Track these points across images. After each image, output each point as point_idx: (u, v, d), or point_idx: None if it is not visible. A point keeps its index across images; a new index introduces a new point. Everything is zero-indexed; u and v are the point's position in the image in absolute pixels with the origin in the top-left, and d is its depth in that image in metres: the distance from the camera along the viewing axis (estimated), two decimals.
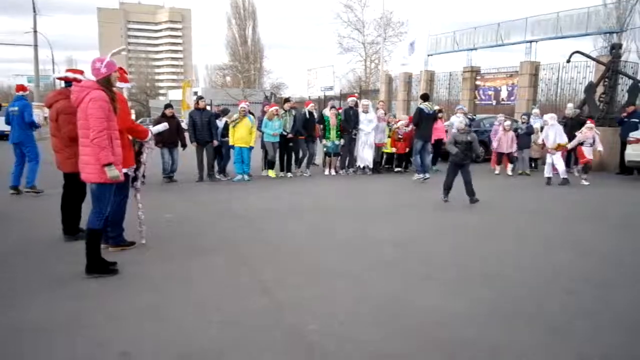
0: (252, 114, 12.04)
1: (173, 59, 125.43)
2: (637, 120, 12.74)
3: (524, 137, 12.78)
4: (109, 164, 4.52)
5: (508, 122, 13.02)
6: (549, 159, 11.43)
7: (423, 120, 11.43)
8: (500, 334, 3.57)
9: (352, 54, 42.82)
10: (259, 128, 12.03)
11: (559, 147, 11.19)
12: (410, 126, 12.53)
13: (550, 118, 11.56)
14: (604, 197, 9.90)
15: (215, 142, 11.27)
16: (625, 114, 13.26)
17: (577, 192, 10.39)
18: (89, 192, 4.88)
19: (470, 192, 8.56)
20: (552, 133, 11.28)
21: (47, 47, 59.32)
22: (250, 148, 11.52)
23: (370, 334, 3.54)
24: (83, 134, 4.59)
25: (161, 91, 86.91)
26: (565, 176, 11.06)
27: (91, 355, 3.21)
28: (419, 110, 11.49)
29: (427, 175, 11.42)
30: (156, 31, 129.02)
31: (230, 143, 11.37)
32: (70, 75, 5.50)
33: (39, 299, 4.15)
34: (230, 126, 11.29)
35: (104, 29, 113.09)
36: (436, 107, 13.07)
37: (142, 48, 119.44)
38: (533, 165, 13.87)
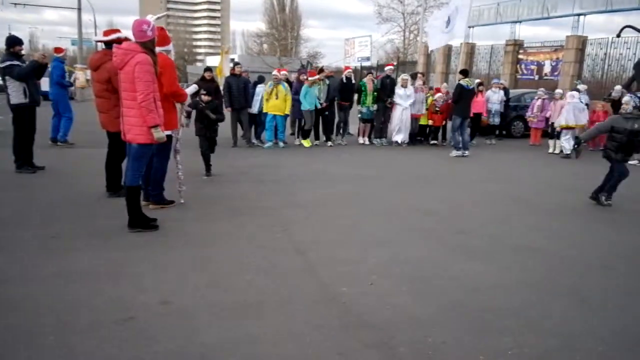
0: (289, 82, 12.02)
1: (211, 25, 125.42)
2: None
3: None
4: (156, 126, 4.65)
5: (559, 91, 12.81)
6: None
7: (463, 97, 11.11)
8: (530, 303, 3.60)
9: (391, 24, 42.06)
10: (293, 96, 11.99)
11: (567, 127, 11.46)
12: (446, 98, 12.44)
13: (570, 96, 11.68)
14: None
15: (250, 109, 11.39)
16: None
17: None
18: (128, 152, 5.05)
19: (611, 189, 6.78)
20: (565, 111, 11.49)
21: (90, 10, 60.01)
22: (285, 116, 11.55)
23: (401, 296, 3.62)
24: (128, 96, 4.69)
25: (198, 57, 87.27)
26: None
27: (134, 299, 3.39)
28: (459, 87, 11.16)
29: (467, 153, 11.16)
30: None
31: (264, 110, 11.37)
32: (113, 36, 5.61)
33: (86, 249, 4.37)
34: (265, 93, 11.31)
35: None
36: (477, 81, 12.79)
37: (181, 14, 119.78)
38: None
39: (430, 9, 38.49)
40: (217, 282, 3.76)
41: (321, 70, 12.56)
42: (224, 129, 11.81)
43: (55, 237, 4.67)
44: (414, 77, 13.61)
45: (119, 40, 5.49)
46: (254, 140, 11.79)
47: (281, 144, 11.55)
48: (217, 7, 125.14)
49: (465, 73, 11.54)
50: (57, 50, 10.62)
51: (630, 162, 10.59)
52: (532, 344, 3.02)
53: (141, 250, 4.38)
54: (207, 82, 11.25)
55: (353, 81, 12.69)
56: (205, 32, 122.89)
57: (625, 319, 3.42)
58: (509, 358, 2.87)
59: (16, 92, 7.24)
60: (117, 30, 5.83)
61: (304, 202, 6.42)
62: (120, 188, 6.26)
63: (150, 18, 5.03)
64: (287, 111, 11.45)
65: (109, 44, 5.73)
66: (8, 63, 7.19)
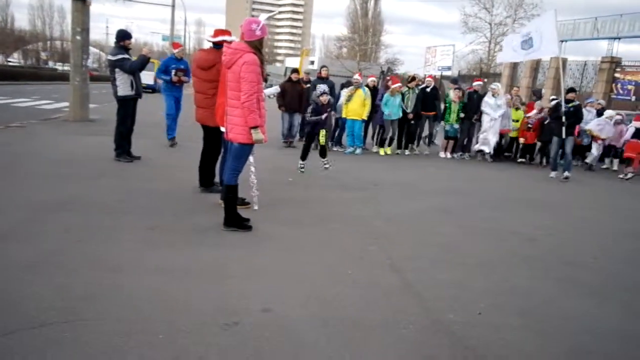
0: (374, 88, 11.85)
1: (292, 27, 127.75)
2: None
3: None
4: (256, 127, 4.62)
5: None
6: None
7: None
8: None
9: (477, 34, 40.93)
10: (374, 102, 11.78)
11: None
12: (540, 114, 11.81)
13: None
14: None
15: (333, 113, 11.33)
16: None
17: None
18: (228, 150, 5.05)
19: None
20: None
21: (181, 8, 62.66)
22: (363, 121, 11.33)
23: (515, 331, 3.36)
24: (233, 95, 4.70)
25: (278, 57, 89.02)
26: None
27: (237, 306, 3.34)
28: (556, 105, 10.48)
29: (567, 174, 10.10)
30: None
31: (343, 115, 11.23)
32: (226, 38, 5.67)
33: (184, 244, 4.41)
34: (344, 99, 11.13)
35: None
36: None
37: (265, 8, 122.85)
38: None
39: (520, 20, 37.21)
40: (316, 293, 3.65)
41: (412, 79, 12.30)
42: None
43: (154, 229, 4.76)
44: (538, 95, 13.07)
45: (226, 41, 5.55)
46: (334, 148, 11.72)
47: (358, 150, 11.34)
48: (300, 9, 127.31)
49: (572, 92, 10.57)
50: (176, 45, 10.71)
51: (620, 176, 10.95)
52: None
53: (237, 251, 4.36)
54: (292, 84, 11.33)
55: (438, 90, 12.32)
56: (286, 33, 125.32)
57: None
58: None
59: (124, 84, 7.57)
60: (228, 32, 5.89)
61: (393, 214, 6.23)
62: (212, 184, 6.34)
63: (261, 17, 5.03)
64: (364, 116, 11.22)
65: (217, 45, 5.80)
66: (120, 56, 7.51)
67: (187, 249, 4.29)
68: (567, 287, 4.26)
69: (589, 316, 3.71)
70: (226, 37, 5.74)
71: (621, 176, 11.30)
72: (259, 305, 3.36)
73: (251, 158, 5.49)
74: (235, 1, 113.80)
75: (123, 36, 7.69)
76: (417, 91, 11.81)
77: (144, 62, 7.71)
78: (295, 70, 12.04)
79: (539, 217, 6.89)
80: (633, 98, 20.76)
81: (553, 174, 10.41)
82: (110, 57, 7.74)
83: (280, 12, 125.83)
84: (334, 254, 4.54)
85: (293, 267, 4.13)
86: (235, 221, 4.94)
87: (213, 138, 6.12)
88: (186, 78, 9.58)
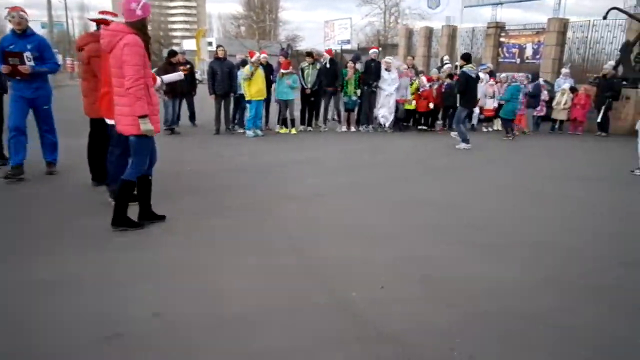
0: (268, 66, 11.45)
1: (186, 7, 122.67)
2: None
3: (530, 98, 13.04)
4: (144, 116, 4.21)
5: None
6: None
7: (470, 86, 9.86)
8: (548, 302, 3.35)
9: (371, 6, 41.57)
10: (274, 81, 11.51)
11: None
12: (430, 84, 12.23)
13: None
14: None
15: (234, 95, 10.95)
16: None
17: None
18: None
19: None
20: None
21: None
22: (264, 100, 10.98)
23: (418, 303, 3.33)
24: (117, 83, 4.27)
25: (175, 40, 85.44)
26: None
27: (122, 315, 3.01)
28: (464, 75, 9.85)
29: (469, 146, 9.94)
30: None
31: (247, 98, 10.69)
32: (107, 17, 5.13)
33: (66, 252, 3.98)
34: (243, 79, 10.60)
35: None
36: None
37: None
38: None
39: None
40: (213, 290, 3.40)
41: (309, 54, 12.12)
42: (208, 115, 11.42)
43: (33, 237, 4.26)
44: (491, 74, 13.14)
45: (105, 22, 5.03)
46: (237, 128, 11.34)
47: (259, 131, 10.94)
48: None
49: (467, 58, 10.15)
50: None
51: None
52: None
53: (127, 253, 3.99)
54: (174, 67, 10.75)
55: (337, 64, 12.20)
56: (181, 14, 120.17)
57: None
58: None
59: None
60: (113, 14, 5.33)
61: (297, 194, 6.07)
62: (106, 177, 5.87)
63: None
64: (265, 95, 10.90)
65: (99, 25, 5.25)
66: None
67: (69, 256, 3.86)
68: (468, 250, 4.33)
69: (488, 276, 3.78)
70: (107, 17, 5.19)
71: (504, 138, 11.75)
72: (147, 311, 3.06)
73: None
74: None
75: None
76: (318, 66, 11.67)
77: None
78: (173, 52, 11.46)
79: (441, 183, 7.05)
80: (518, 61, 22.05)
81: (463, 145, 10.00)
82: None
83: None
84: (233, 245, 4.30)
85: (188, 264, 3.84)
86: (125, 220, 4.53)
87: (96, 129, 5.69)
88: (26, 66, 5.97)
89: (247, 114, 11.00)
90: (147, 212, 4.70)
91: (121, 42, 4.15)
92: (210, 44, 45.98)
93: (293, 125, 11.51)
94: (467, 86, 9.82)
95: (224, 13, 79.99)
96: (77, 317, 2.96)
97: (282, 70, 11.08)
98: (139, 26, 4.27)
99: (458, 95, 10.10)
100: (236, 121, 11.45)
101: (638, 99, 12.94)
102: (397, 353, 2.70)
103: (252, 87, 10.50)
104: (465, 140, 9.97)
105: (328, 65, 11.83)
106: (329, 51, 12.93)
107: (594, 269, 4.00)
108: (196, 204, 5.44)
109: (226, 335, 2.84)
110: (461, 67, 10.27)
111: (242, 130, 11.20)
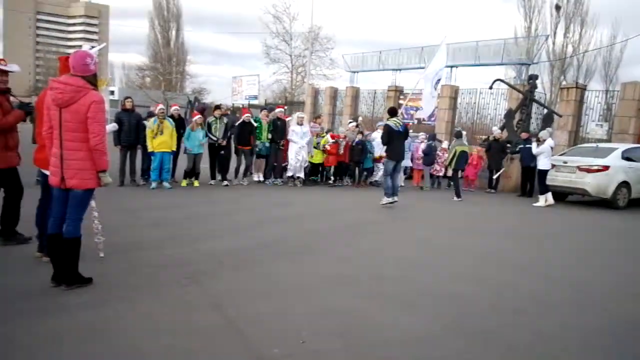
0: (179, 118, 11.43)
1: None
2: (530, 146, 12.66)
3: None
4: (104, 170, 4.27)
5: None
6: None
7: (393, 139, 10.08)
8: (460, 353, 3.62)
9: (279, 64, 42.94)
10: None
11: None
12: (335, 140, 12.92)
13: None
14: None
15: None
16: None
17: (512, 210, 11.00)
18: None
19: None
20: None
21: None
22: (172, 153, 10.78)
23: (338, 356, 3.45)
24: (76, 137, 4.15)
25: None
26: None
27: None
28: (387, 128, 10.12)
29: (396, 199, 10.10)
30: (70, 24, 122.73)
31: (150, 150, 10.43)
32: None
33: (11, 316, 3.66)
34: (149, 132, 10.37)
35: (10, 16, 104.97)
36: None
37: (53, 41, 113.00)
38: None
39: (317, 53, 40.09)
40: (127, 351, 3.29)
41: (217, 107, 12.28)
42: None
43: None
44: (458, 135, 13.06)
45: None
46: (141, 181, 11.02)
47: (166, 184, 10.67)
48: (95, 36, 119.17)
49: (393, 112, 10.45)
50: None
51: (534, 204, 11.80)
52: None
53: (79, 312, 3.75)
54: (130, 112, 10.57)
55: (253, 124, 12.34)
56: None
57: None
58: None
59: None
60: (2, 60, 5.16)
61: (210, 249, 6.03)
62: (15, 233, 5.51)
63: (91, 50, 4.56)
64: (174, 147, 10.79)
65: None
66: None
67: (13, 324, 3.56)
68: (380, 302, 4.55)
69: (399, 326, 4.00)
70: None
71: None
72: None
73: (93, 202, 4.93)
74: (15, 25, 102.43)
75: None
76: (225, 120, 11.80)
77: None
78: (128, 97, 11.21)
79: (349, 237, 7.35)
80: (415, 122, 23.73)
81: (385, 200, 10.12)
82: None
83: (70, 40, 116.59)
84: (153, 301, 4.19)
85: (100, 326, 3.67)
86: (78, 277, 4.38)
87: (8, 180, 5.42)
88: None
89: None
90: (77, 274, 4.47)
91: (86, 99, 4.11)
92: (112, 92, 44.69)
93: (197, 178, 11.42)
94: (389, 138, 10.08)
95: (128, 63, 78.35)
96: None
97: (194, 119, 11.19)
98: (93, 80, 4.27)
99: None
100: (145, 175, 11.06)
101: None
102: None
103: (155, 139, 10.35)
104: (387, 194, 10.08)
105: (244, 125, 11.98)
106: (245, 110, 13.21)
107: (489, 316, 4.38)
108: (104, 260, 5.22)
109: None
110: (386, 120, 10.65)
111: (143, 183, 10.92)
